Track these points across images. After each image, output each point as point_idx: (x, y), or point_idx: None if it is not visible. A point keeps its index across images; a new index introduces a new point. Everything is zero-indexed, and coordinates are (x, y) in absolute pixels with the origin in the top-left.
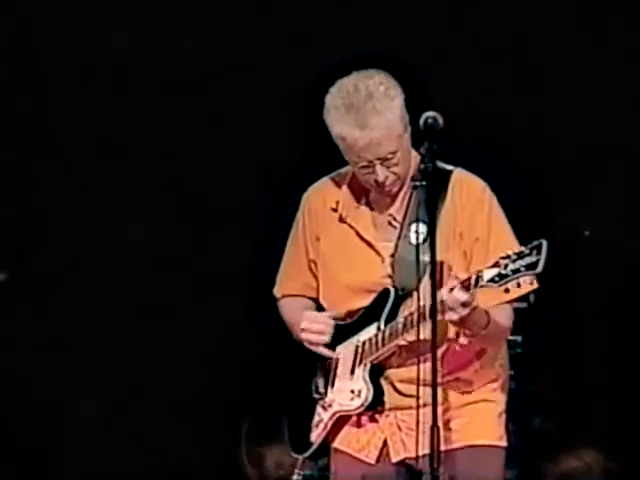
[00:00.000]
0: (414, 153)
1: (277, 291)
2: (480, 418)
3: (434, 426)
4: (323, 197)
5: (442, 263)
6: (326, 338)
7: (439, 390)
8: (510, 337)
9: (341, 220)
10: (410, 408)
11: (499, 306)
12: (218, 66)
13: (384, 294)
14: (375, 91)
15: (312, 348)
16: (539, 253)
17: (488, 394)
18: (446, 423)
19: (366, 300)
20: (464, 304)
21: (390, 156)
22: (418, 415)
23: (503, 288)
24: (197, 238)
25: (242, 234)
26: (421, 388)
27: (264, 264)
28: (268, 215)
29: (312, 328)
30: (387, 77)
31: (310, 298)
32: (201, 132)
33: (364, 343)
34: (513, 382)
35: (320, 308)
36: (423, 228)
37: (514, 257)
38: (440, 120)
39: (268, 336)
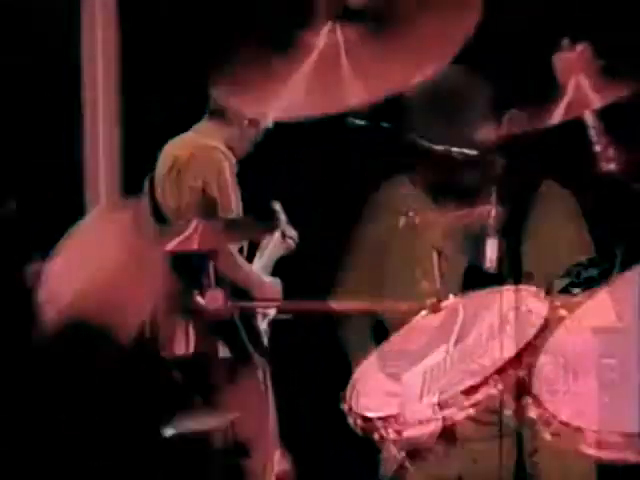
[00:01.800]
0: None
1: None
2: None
3: (518, 460)
4: (396, 197)
5: (521, 279)
6: None
7: None
8: (604, 360)
9: (412, 225)
10: (486, 439)
11: None
12: None
13: (452, 314)
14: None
15: None
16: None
17: None
18: (529, 457)
19: (434, 318)
20: None
21: None
22: (501, 448)
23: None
24: None
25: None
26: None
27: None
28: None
29: None
30: (469, 71)
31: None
32: None
33: (432, 369)
34: None
35: (380, 324)
36: (502, 242)
37: (586, 264)
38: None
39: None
